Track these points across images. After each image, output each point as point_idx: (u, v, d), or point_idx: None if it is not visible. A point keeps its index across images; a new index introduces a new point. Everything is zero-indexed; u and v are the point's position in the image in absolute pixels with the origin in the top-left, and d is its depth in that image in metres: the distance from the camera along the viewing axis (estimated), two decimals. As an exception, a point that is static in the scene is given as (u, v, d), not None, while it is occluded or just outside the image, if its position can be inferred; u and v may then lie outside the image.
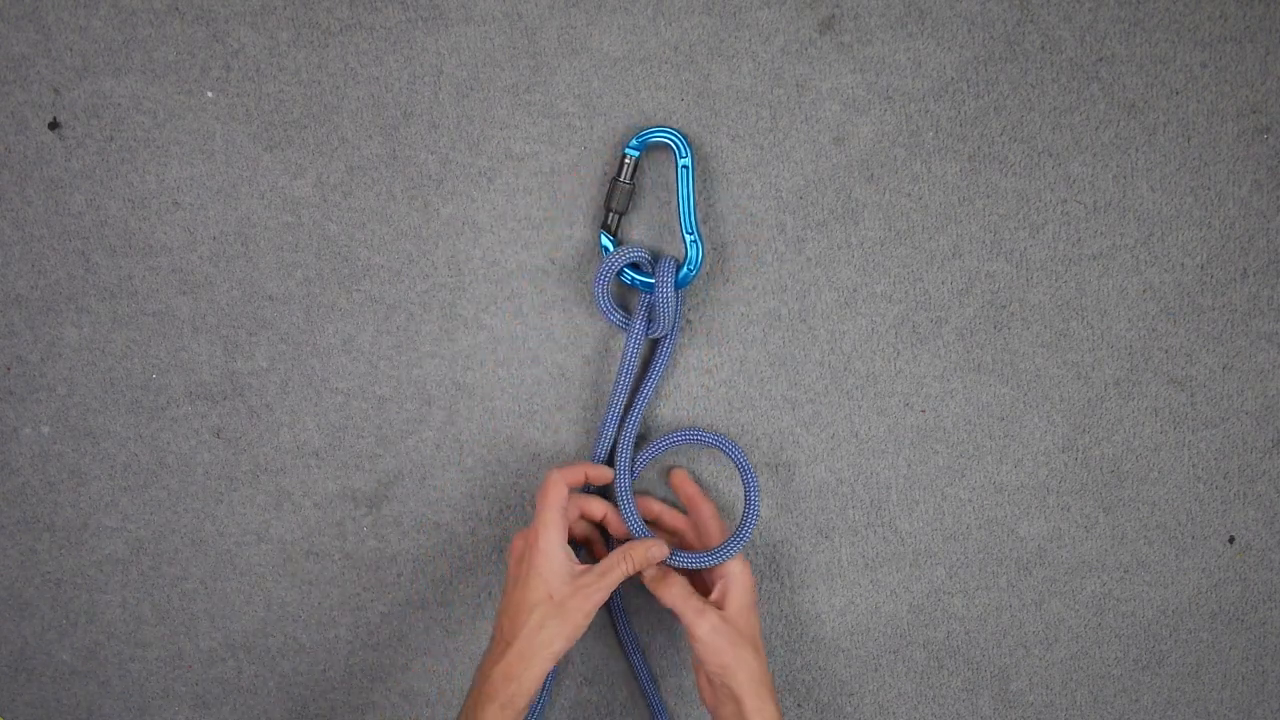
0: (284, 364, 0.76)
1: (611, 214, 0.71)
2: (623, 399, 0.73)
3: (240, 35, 0.71)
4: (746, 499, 0.72)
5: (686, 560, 0.70)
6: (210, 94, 0.72)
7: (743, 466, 0.73)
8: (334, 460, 0.77)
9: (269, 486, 0.78)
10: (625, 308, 0.74)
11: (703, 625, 0.67)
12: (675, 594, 0.69)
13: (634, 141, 0.70)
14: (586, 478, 0.72)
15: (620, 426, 0.73)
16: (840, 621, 0.79)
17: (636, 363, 0.72)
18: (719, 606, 0.69)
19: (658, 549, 0.70)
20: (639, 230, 0.74)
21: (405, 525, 0.78)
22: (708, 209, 0.73)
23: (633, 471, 0.73)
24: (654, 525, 0.75)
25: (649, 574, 0.70)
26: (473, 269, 0.74)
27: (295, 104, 0.72)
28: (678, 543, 0.75)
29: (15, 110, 0.72)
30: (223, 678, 0.82)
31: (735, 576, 0.69)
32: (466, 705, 0.65)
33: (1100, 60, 0.70)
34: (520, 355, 0.75)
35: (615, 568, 0.68)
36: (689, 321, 0.74)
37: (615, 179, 0.71)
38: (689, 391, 0.75)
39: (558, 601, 0.65)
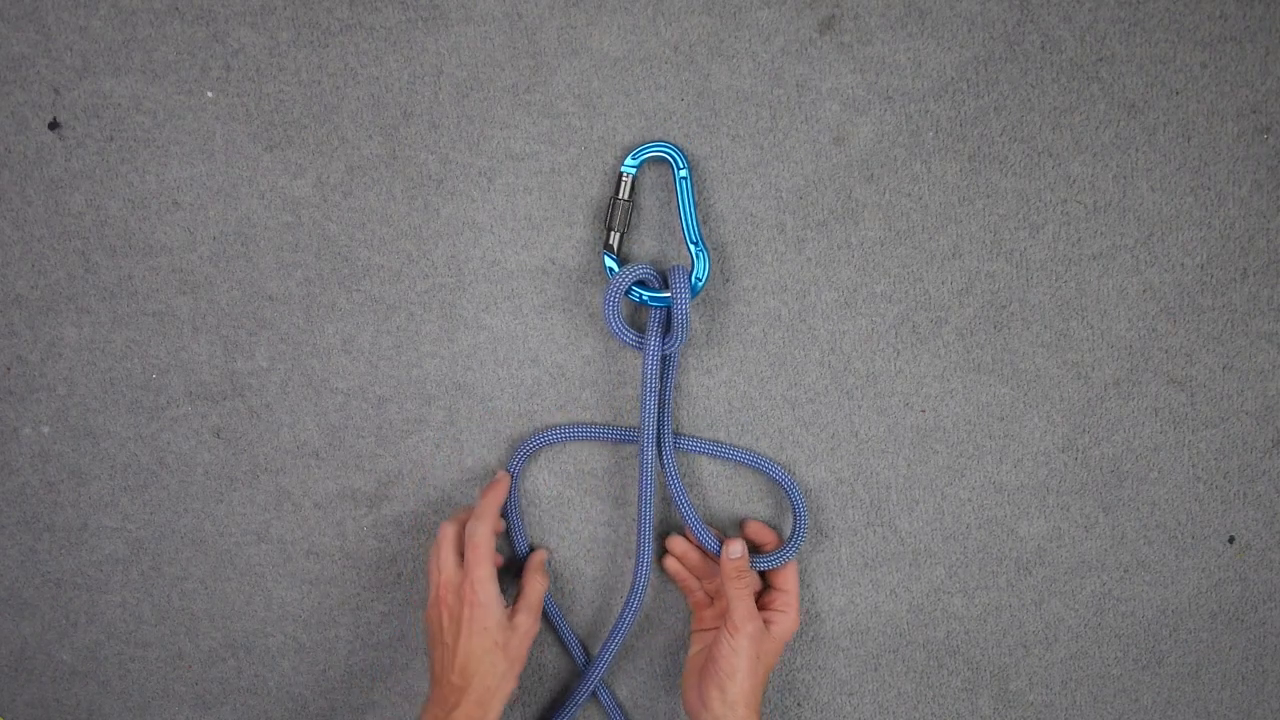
0: (284, 364, 0.76)
1: (613, 233, 0.71)
2: (653, 420, 0.72)
3: (240, 35, 0.71)
4: (795, 512, 0.75)
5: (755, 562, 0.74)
6: (210, 94, 0.72)
7: (787, 485, 0.75)
8: (334, 460, 0.77)
9: (269, 486, 0.78)
10: (634, 323, 0.74)
11: (748, 627, 0.70)
12: (743, 590, 0.72)
13: (629, 159, 0.70)
14: (498, 505, 0.74)
15: (659, 446, 0.74)
16: (840, 621, 0.79)
17: (658, 381, 0.72)
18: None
19: (544, 552, 0.77)
20: (643, 238, 0.73)
21: (405, 525, 0.78)
22: (708, 210, 0.73)
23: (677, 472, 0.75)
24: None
25: (731, 569, 0.72)
26: (473, 269, 0.74)
27: (295, 104, 0.72)
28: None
29: (15, 110, 0.72)
30: (223, 678, 0.82)
31: (788, 620, 0.73)
32: None
33: (1100, 60, 0.70)
34: (520, 355, 0.75)
35: (535, 591, 0.73)
36: (689, 320, 0.74)
37: (614, 198, 0.71)
38: (689, 392, 0.76)
39: (502, 645, 0.69)
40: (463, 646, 0.68)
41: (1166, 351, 0.74)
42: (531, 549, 0.78)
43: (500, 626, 0.69)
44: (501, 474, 0.75)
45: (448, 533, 0.71)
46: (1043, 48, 0.69)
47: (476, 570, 0.69)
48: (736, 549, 0.72)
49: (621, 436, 0.75)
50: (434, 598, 0.70)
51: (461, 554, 0.71)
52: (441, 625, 0.69)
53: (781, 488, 0.76)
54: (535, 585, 0.73)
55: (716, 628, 0.74)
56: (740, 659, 0.70)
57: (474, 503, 0.76)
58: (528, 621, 0.71)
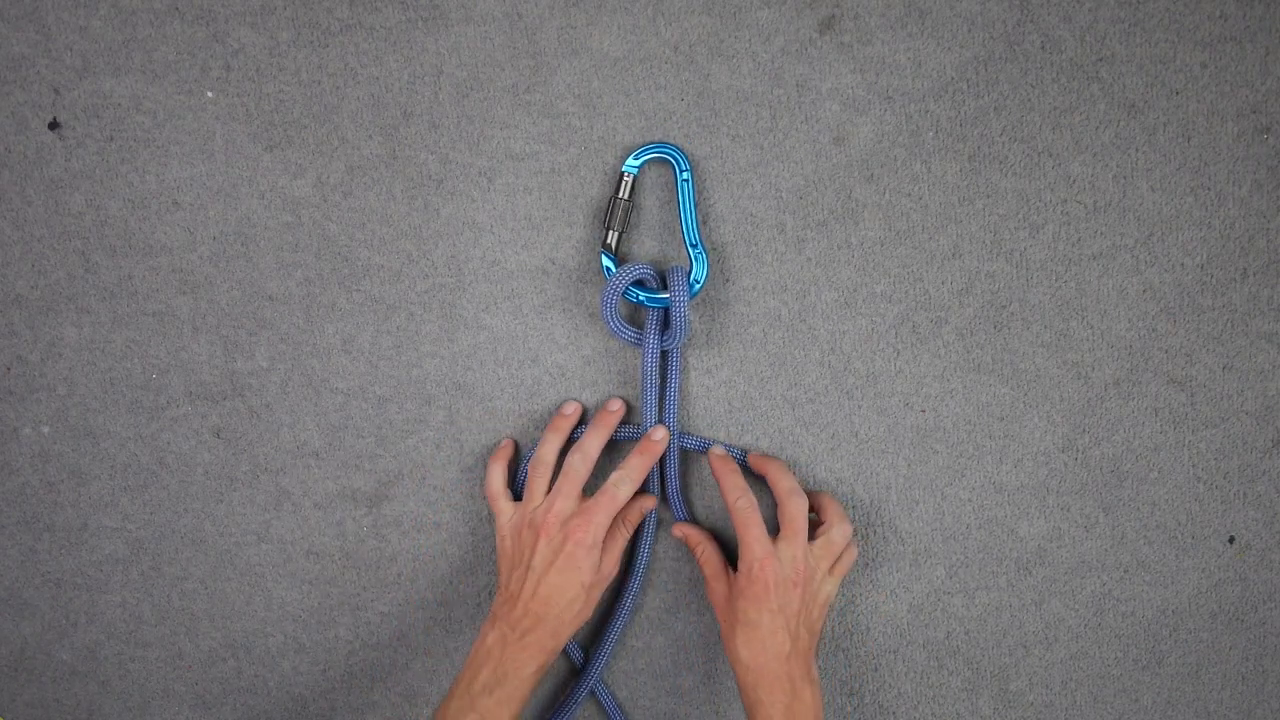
0: (284, 364, 0.76)
1: (611, 232, 0.71)
2: (654, 415, 0.73)
3: (240, 35, 0.71)
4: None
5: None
6: (210, 94, 0.72)
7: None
8: (334, 460, 0.77)
9: (269, 486, 0.78)
10: (633, 322, 0.74)
11: (711, 594, 0.73)
12: (704, 554, 0.74)
13: (631, 159, 0.70)
14: (649, 469, 0.74)
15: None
16: (840, 621, 0.79)
17: (657, 376, 0.72)
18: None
19: (651, 502, 0.76)
20: (643, 238, 0.73)
21: (405, 525, 0.78)
22: (708, 210, 0.73)
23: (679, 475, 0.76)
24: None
25: (689, 541, 0.76)
26: (473, 269, 0.74)
27: (295, 104, 0.72)
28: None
29: (15, 110, 0.72)
30: (223, 678, 0.82)
31: (744, 554, 0.69)
32: (492, 667, 0.68)
33: (1100, 60, 0.70)
34: (520, 355, 0.75)
35: (620, 542, 0.74)
36: (689, 320, 0.74)
37: (614, 197, 0.71)
38: (689, 391, 0.76)
39: (588, 587, 0.70)
40: (553, 578, 0.69)
41: (1166, 351, 0.74)
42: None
43: (592, 569, 0.70)
44: (662, 431, 0.74)
45: (580, 470, 0.71)
46: (1043, 48, 0.69)
47: (599, 516, 0.70)
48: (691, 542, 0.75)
49: (633, 435, 0.75)
50: (534, 522, 0.71)
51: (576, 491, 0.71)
52: (534, 548, 0.70)
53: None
54: (620, 534, 0.73)
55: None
56: (718, 621, 0.71)
57: (548, 431, 0.75)
58: (609, 566, 0.72)
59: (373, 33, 0.71)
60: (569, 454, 0.72)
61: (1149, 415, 0.75)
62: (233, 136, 0.72)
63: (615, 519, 0.73)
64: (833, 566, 0.72)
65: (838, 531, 0.72)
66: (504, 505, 0.74)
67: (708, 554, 0.74)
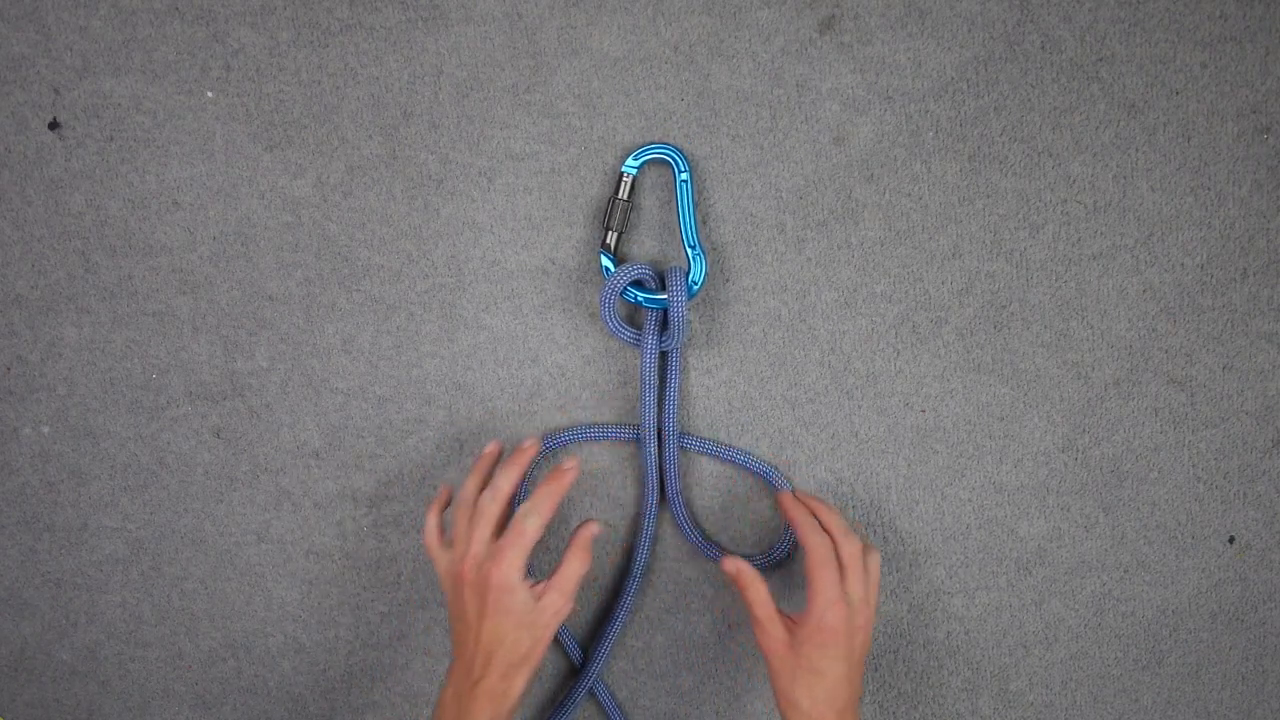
0: (284, 364, 0.76)
1: (610, 233, 0.71)
2: (652, 415, 0.73)
3: (240, 35, 0.71)
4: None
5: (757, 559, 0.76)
6: (210, 94, 0.72)
7: (783, 487, 0.76)
8: (334, 460, 0.77)
9: (269, 486, 0.78)
10: (632, 322, 0.74)
11: (765, 639, 0.68)
12: (757, 597, 0.69)
13: (630, 160, 0.70)
14: (560, 499, 0.70)
15: (660, 443, 0.74)
16: (840, 621, 0.79)
17: (655, 377, 0.72)
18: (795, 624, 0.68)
19: (595, 526, 0.70)
20: (642, 238, 0.73)
21: (405, 525, 0.79)
22: (707, 210, 0.73)
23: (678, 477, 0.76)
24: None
25: (740, 579, 0.70)
26: (473, 269, 0.74)
27: (295, 104, 0.72)
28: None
29: (15, 110, 0.72)
30: (223, 678, 0.82)
31: (809, 612, 0.67)
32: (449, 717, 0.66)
33: (1100, 60, 0.70)
34: (520, 355, 0.75)
35: (571, 572, 0.68)
36: (688, 321, 0.74)
37: (614, 197, 0.71)
38: (689, 391, 0.76)
39: (528, 625, 0.66)
40: (487, 626, 0.65)
41: (1166, 351, 0.74)
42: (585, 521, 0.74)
43: (525, 608, 0.66)
44: (572, 463, 0.70)
45: (489, 510, 0.67)
46: (1043, 48, 0.69)
47: (509, 553, 0.65)
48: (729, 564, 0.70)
49: (630, 436, 0.75)
50: (455, 570, 0.67)
51: (497, 530, 0.68)
52: (463, 598, 0.66)
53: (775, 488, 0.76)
54: (572, 566, 0.68)
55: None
56: (769, 666, 0.68)
57: (474, 470, 0.72)
58: (558, 602, 0.67)
59: (373, 33, 0.71)
60: (481, 495, 0.69)
61: (1149, 415, 0.75)
62: (233, 136, 0.73)
63: (571, 548, 0.69)
64: None
65: (870, 559, 0.70)
66: (438, 554, 0.70)
67: (760, 596, 0.69)
